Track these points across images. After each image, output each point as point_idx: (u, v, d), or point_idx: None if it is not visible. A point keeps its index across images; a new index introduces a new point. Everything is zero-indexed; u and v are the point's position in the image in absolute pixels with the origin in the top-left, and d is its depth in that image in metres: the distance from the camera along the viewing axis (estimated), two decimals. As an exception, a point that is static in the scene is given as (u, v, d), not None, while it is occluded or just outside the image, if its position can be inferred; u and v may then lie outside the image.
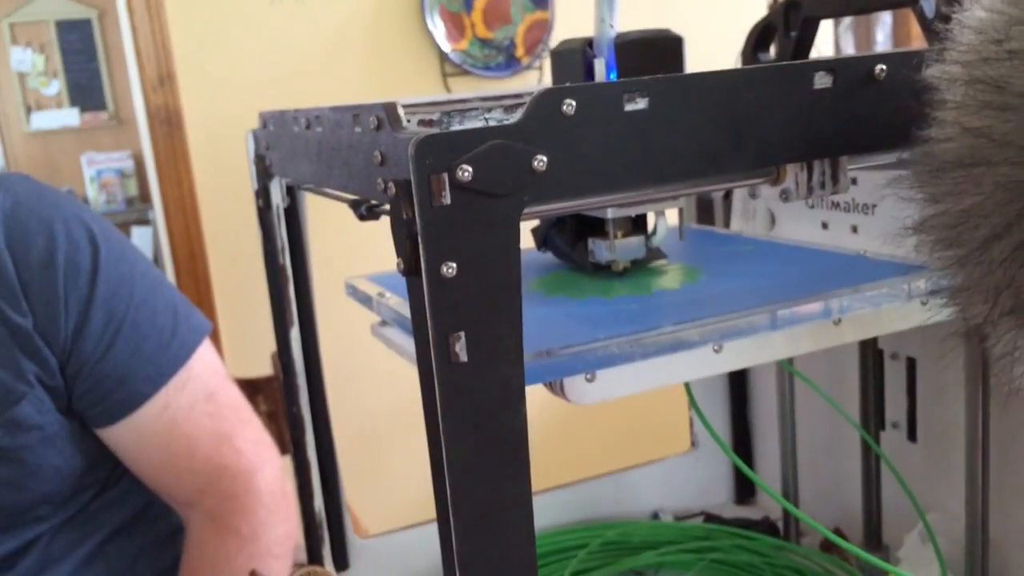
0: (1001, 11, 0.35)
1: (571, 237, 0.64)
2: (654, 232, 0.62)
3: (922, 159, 0.38)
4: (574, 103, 0.38)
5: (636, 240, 0.61)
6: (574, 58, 0.57)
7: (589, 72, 0.56)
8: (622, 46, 0.55)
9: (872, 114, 0.43)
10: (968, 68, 0.36)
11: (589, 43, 0.56)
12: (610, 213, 0.59)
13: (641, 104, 0.39)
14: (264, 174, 0.70)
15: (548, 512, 0.89)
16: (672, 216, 0.64)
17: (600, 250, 0.61)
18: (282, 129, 0.63)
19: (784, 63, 0.42)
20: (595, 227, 0.62)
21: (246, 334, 1.96)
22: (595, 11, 0.54)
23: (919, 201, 0.38)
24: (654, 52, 0.56)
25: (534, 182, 0.37)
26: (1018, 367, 0.37)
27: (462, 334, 0.37)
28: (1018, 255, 0.34)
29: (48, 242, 0.73)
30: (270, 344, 1.44)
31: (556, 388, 0.49)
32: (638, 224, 0.62)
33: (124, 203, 3.93)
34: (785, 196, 0.44)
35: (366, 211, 0.63)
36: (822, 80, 0.42)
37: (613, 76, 0.55)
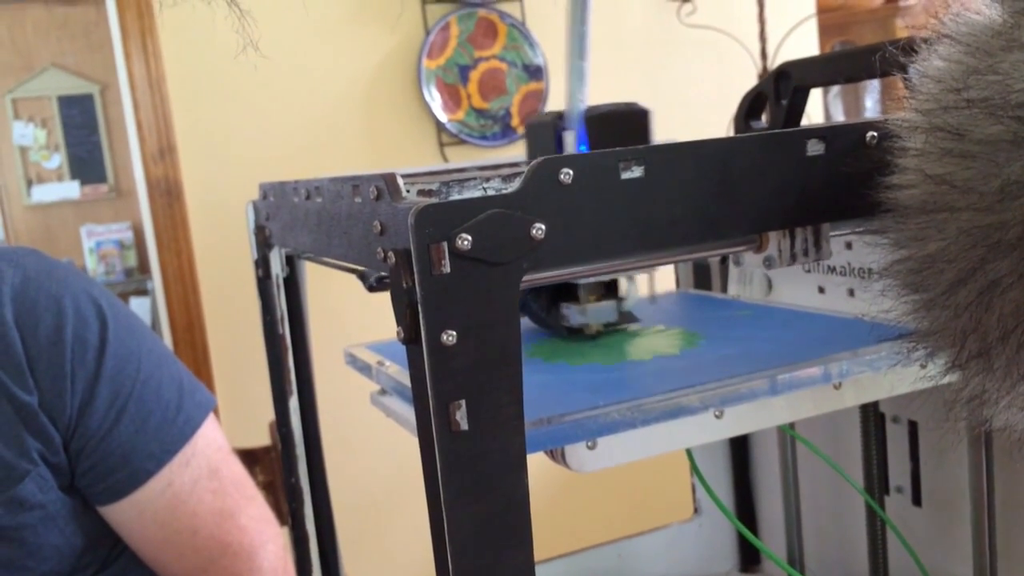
0: (959, 61, 0.36)
1: (546, 302, 0.66)
2: (625, 296, 0.64)
3: (886, 205, 0.39)
4: (571, 172, 0.38)
5: (608, 304, 0.63)
6: (546, 131, 0.59)
7: (560, 144, 0.58)
8: (591, 119, 0.57)
9: (864, 180, 0.44)
10: (928, 116, 0.36)
11: (560, 116, 0.58)
12: (582, 279, 0.61)
13: (637, 172, 0.40)
14: (264, 244, 0.71)
15: (550, 583, 0.88)
16: (644, 281, 0.67)
17: (573, 314, 0.63)
18: (282, 200, 0.64)
19: (778, 131, 0.43)
20: (568, 292, 0.64)
21: (244, 404, 1.95)
22: (566, 86, 0.56)
23: (885, 246, 0.39)
24: (622, 124, 0.57)
25: (533, 250, 0.38)
26: (987, 409, 0.37)
27: (463, 402, 0.37)
28: (983, 299, 0.34)
29: (57, 319, 0.73)
30: (267, 414, 1.43)
31: (557, 456, 0.48)
32: (610, 289, 0.64)
33: (123, 273, 3.95)
34: (768, 263, 0.45)
35: (376, 283, 0.63)
36: (815, 147, 0.43)
37: (583, 148, 0.57)
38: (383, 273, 0.61)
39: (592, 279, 0.61)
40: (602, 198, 0.39)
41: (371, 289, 0.61)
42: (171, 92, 1.93)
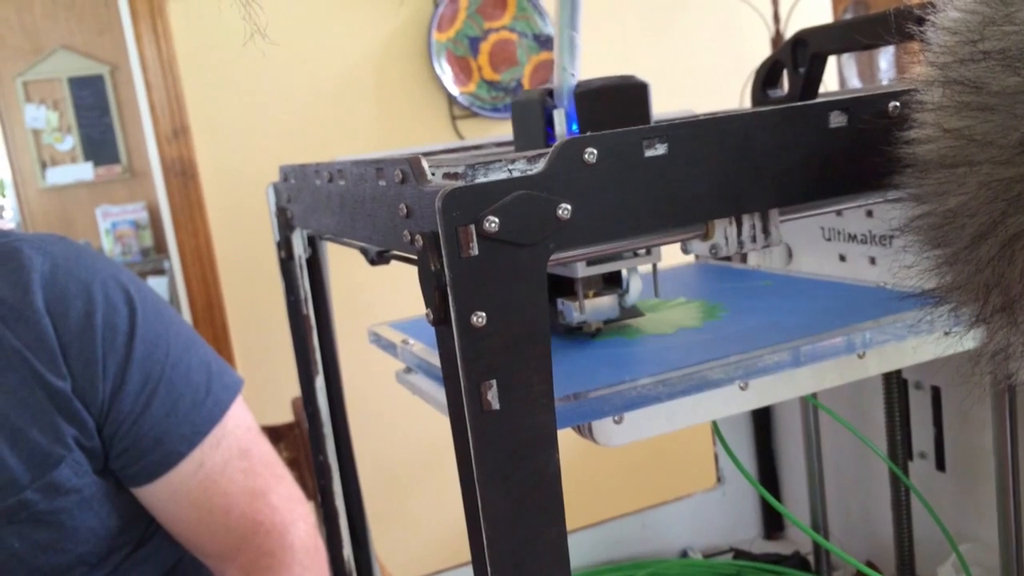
0: (974, 11, 0.36)
1: None
2: (627, 290, 0.58)
3: (905, 160, 0.38)
4: (595, 152, 0.38)
5: (609, 299, 0.58)
6: (533, 110, 0.54)
7: (549, 122, 0.54)
8: (583, 95, 0.52)
9: (887, 150, 0.44)
10: (944, 70, 0.36)
11: (549, 93, 0.53)
12: (580, 272, 0.55)
13: (660, 150, 0.40)
14: (286, 226, 0.71)
15: (575, 553, 0.89)
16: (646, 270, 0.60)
17: (569, 311, 0.57)
18: (303, 182, 0.64)
19: (799, 104, 0.43)
20: (564, 287, 0.58)
21: (265, 382, 1.97)
22: (555, 59, 0.52)
23: (905, 202, 0.39)
24: (618, 100, 0.52)
25: (559, 230, 0.38)
26: (1012, 363, 0.37)
27: (494, 382, 0.38)
28: (1005, 252, 0.34)
29: (86, 305, 0.74)
30: (288, 391, 1.44)
31: (585, 431, 0.49)
32: (610, 281, 0.58)
33: (139, 254, 3.97)
34: (714, 251, 0.43)
35: (376, 256, 0.64)
36: (837, 119, 0.43)
37: (574, 128, 0.53)
38: (379, 248, 0.60)
39: (590, 272, 0.55)
40: (627, 176, 0.39)
41: (372, 263, 0.61)
42: (182, 72, 1.93)
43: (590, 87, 0.53)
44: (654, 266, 0.59)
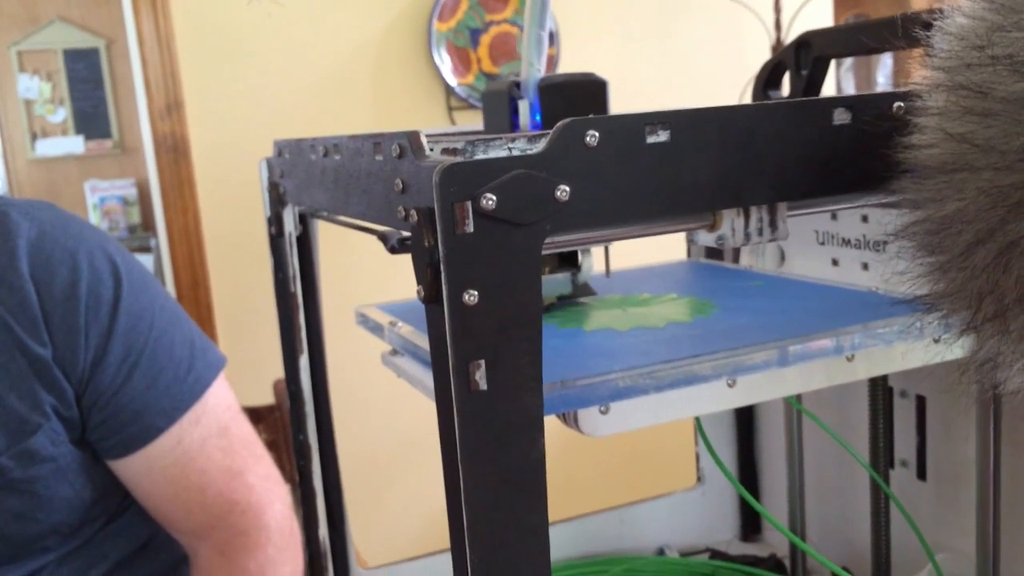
0: (983, 17, 0.35)
1: None
2: (579, 268, 0.63)
3: (905, 165, 0.38)
4: (597, 134, 0.38)
5: (563, 276, 0.62)
6: (501, 99, 0.58)
7: (515, 113, 0.57)
8: (546, 89, 0.56)
9: (890, 149, 0.43)
10: (950, 74, 0.36)
11: (517, 84, 0.57)
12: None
13: (663, 136, 0.39)
14: (277, 202, 0.71)
15: (552, 545, 0.88)
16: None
17: None
18: (298, 157, 0.63)
19: (804, 99, 0.43)
20: None
21: (247, 363, 1.95)
22: (523, 54, 0.56)
23: (902, 207, 0.39)
24: (578, 95, 0.56)
25: (557, 212, 0.38)
26: (1001, 372, 0.37)
27: (482, 362, 0.37)
28: (1001, 260, 0.34)
29: (72, 273, 0.73)
30: (271, 373, 1.43)
31: (570, 420, 0.48)
32: (566, 260, 0.63)
33: (126, 230, 3.94)
34: (721, 242, 0.44)
35: (398, 244, 0.63)
36: (841, 116, 0.43)
37: (537, 118, 0.56)
38: (406, 234, 0.60)
39: (546, 250, 0.60)
40: (627, 161, 0.39)
41: (392, 251, 0.60)
42: (179, 49, 1.91)
43: (553, 82, 0.55)
44: (606, 248, 0.62)
